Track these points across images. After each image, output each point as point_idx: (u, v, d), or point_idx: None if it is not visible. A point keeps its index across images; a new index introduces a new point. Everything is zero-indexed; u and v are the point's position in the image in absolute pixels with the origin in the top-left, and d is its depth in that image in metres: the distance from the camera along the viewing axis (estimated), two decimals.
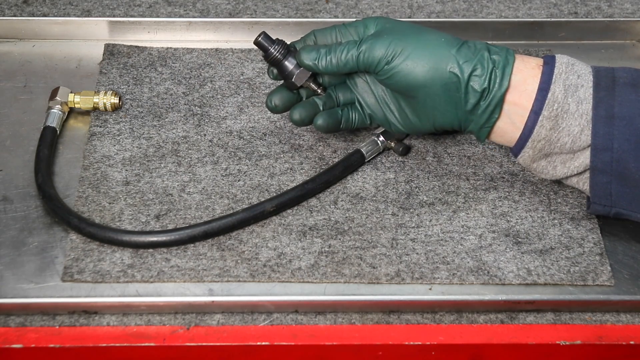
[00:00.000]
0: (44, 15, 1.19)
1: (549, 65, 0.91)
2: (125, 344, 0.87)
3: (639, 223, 0.96)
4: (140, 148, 1.04)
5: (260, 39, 0.98)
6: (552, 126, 0.90)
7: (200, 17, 1.20)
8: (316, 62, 0.96)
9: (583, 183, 0.94)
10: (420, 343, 0.88)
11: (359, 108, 1.00)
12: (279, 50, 0.97)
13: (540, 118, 0.90)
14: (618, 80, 0.90)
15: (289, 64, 0.98)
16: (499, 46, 0.94)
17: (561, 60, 0.92)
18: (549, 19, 1.19)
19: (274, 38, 0.98)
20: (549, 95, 0.90)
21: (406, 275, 0.93)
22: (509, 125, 0.93)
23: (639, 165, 0.89)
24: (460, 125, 0.95)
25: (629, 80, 0.90)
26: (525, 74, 0.92)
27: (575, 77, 0.90)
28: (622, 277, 0.93)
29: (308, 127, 1.06)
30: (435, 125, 0.96)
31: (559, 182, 1.01)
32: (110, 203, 0.98)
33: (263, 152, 1.04)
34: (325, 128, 0.99)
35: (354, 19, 1.03)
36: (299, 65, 0.97)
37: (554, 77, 0.90)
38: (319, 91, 0.99)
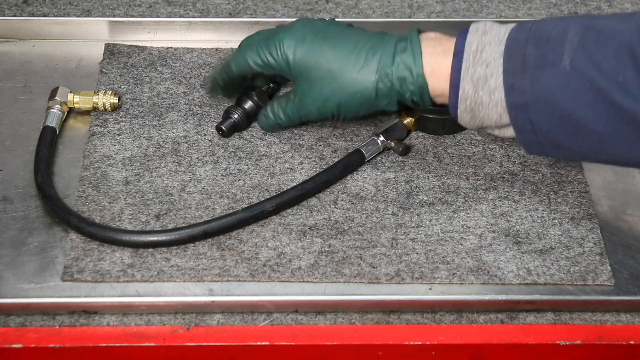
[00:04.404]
0: (44, 15, 1.19)
1: (457, 58, 0.91)
2: (125, 344, 0.87)
3: (632, 217, 0.96)
4: (140, 148, 1.04)
5: (224, 127, 1.05)
6: (471, 116, 0.92)
7: (200, 17, 1.20)
8: (274, 127, 1.04)
9: None
10: (420, 343, 0.88)
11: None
12: (239, 117, 1.05)
13: (458, 111, 0.93)
14: (528, 61, 0.88)
15: (249, 105, 1.06)
16: (406, 35, 0.96)
17: (470, 47, 0.91)
18: None
19: (230, 117, 1.05)
20: (460, 92, 0.91)
21: (406, 275, 0.93)
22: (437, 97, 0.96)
23: (565, 137, 0.89)
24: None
25: (539, 60, 0.88)
26: (436, 63, 0.93)
27: (484, 68, 0.90)
28: (622, 277, 0.93)
29: (308, 127, 1.06)
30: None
31: (559, 182, 1.01)
32: (110, 203, 0.98)
33: (263, 152, 1.04)
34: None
35: (327, 17, 1.04)
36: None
37: (462, 72, 0.91)
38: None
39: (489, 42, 0.90)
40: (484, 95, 0.90)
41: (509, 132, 0.92)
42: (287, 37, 0.97)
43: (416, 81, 0.94)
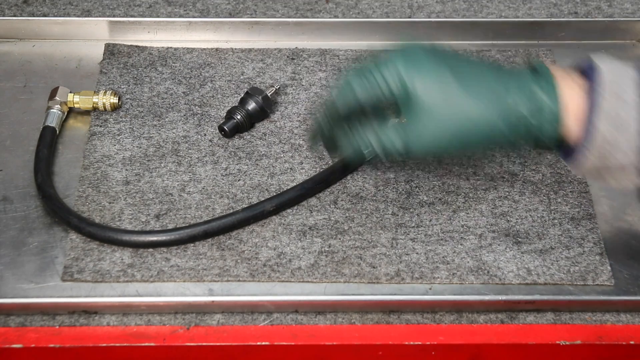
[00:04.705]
0: (44, 15, 1.19)
1: (592, 94, 0.84)
2: (125, 344, 0.87)
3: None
4: (140, 148, 1.04)
5: (226, 128, 1.04)
6: (599, 157, 0.86)
7: (200, 17, 1.20)
8: (357, 152, 0.90)
9: None
10: (420, 343, 0.88)
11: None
12: (242, 118, 1.05)
13: (586, 151, 0.85)
14: None
15: (252, 107, 1.05)
16: (535, 66, 0.88)
17: (605, 84, 0.84)
18: (549, 19, 1.18)
19: (233, 117, 1.05)
20: (594, 130, 0.84)
21: (406, 275, 0.93)
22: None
23: None
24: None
25: None
26: (570, 98, 0.86)
27: (622, 106, 0.84)
28: (622, 277, 0.93)
29: (308, 126, 1.06)
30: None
31: (559, 182, 1.01)
32: (110, 203, 0.98)
33: (263, 152, 1.04)
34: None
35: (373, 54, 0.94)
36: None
37: (597, 109, 0.84)
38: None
39: (623, 79, 0.85)
40: (620, 135, 0.84)
41: (637, 178, 0.87)
42: (402, 61, 0.87)
43: (552, 116, 0.85)
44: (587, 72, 0.86)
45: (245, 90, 1.08)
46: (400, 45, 0.89)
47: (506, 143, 0.88)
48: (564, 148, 0.88)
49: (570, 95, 0.85)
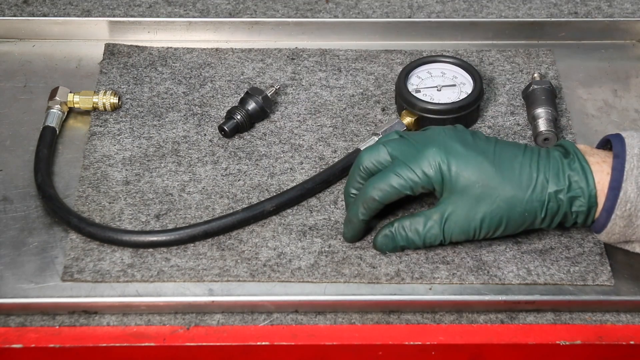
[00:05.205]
0: (44, 15, 1.19)
1: (619, 159, 0.86)
2: (125, 344, 0.87)
3: None
4: (140, 148, 1.04)
5: (226, 128, 1.04)
6: (626, 223, 0.87)
7: (200, 17, 1.20)
8: (395, 249, 0.93)
9: None
10: (420, 343, 0.88)
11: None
12: (242, 118, 1.04)
13: (613, 217, 0.87)
14: None
15: (252, 107, 1.05)
16: (566, 148, 0.90)
17: (632, 151, 0.86)
18: (549, 19, 1.18)
19: (233, 117, 1.05)
20: (621, 194, 0.85)
21: (406, 275, 0.93)
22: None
23: None
24: None
25: None
26: (601, 176, 0.87)
27: None
28: (622, 277, 0.93)
29: (308, 127, 1.06)
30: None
31: None
32: (110, 203, 0.98)
33: (263, 152, 1.04)
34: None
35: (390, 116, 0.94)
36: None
37: (625, 174, 0.86)
38: None
39: None
40: None
41: None
42: (434, 149, 0.89)
43: (588, 201, 0.87)
44: (614, 143, 0.88)
45: (245, 90, 1.08)
46: (430, 130, 0.92)
47: (538, 226, 0.91)
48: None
49: (600, 173, 0.87)
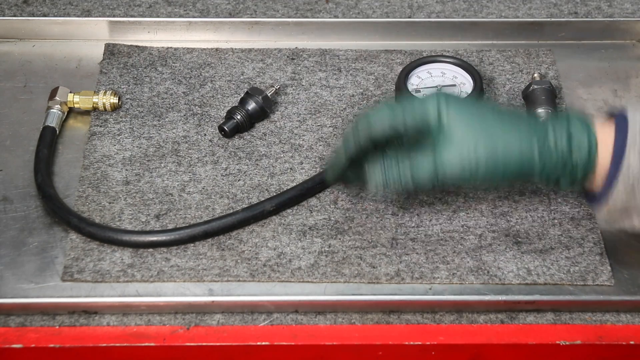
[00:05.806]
0: (44, 15, 1.19)
1: (620, 132, 0.85)
2: (125, 344, 0.87)
3: None
4: (140, 148, 1.04)
5: (226, 128, 1.04)
6: (628, 194, 0.86)
7: (200, 17, 1.20)
8: (383, 185, 0.88)
9: None
10: (420, 343, 0.88)
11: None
12: (242, 118, 1.04)
13: (615, 188, 0.86)
14: None
15: (252, 107, 1.05)
16: (578, 121, 0.88)
17: (634, 125, 0.85)
18: (549, 19, 1.18)
19: (233, 118, 1.05)
20: (623, 165, 0.84)
21: (406, 275, 0.93)
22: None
23: None
24: None
25: None
26: (602, 134, 0.87)
27: None
28: (622, 277, 0.93)
29: (308, 127, 1.06)
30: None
31: None
32: (110, 203, 0.98)
33: (263, 152, 1.04)
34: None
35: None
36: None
37: (627, 144, 0.84)
38: None
39: None
40: None
41: None
42: (434, 96, 0.88)
43: (589, 153, 0.86)
44: (619, 116, 0.87)
45: (245, 90, 1.08)
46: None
47: (536, 178, 0.88)
48: (590, 190, 0.89)
49: (604, 133, 0.86)
